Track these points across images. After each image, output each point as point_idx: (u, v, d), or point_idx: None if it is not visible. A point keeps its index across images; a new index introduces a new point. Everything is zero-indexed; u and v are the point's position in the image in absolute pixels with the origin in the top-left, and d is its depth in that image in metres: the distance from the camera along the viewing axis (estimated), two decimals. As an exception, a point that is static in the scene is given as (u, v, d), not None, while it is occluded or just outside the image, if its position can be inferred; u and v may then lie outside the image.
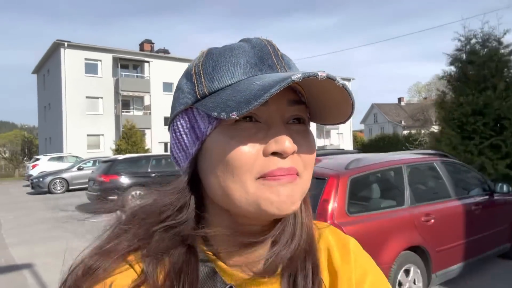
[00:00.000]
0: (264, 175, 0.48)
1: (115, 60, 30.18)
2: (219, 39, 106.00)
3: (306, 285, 0.57)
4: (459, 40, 7.66)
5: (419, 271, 3.72)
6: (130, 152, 20.47)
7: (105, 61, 29.77)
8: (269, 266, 0.55)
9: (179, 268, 0.50)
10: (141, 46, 34.85)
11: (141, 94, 30.80)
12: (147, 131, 30.23)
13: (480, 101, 6.93)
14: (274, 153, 0.48)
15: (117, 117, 29.62)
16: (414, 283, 3.69)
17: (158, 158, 11.64)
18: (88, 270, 0.49)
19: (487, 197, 4.78)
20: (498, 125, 6.91)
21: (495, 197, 4.85)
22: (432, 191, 4.45)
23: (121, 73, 30.43)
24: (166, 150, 30.74)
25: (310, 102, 0.54)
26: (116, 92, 29.88)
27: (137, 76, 31.78)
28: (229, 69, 0.50)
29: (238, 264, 0.54)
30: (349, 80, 44.19)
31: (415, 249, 3.72)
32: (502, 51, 7.33)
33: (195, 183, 0.54)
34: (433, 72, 50.42)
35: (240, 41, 0.55)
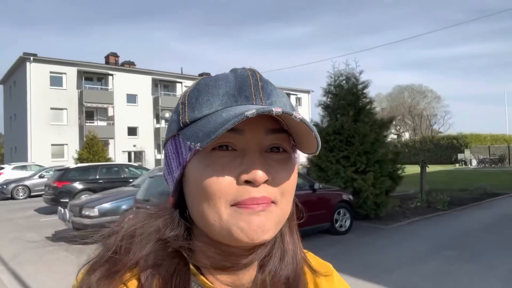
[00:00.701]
0: (237, 203, 0.49)
1: (79, 73, 31.78)
2: (195, 48, 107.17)
3: None
4: (330, 77, 10.20)
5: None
6: (92, 161, 22.20)
7: (70, 74, 31.37)
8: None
9: (171, 275, 0.51)
10: (107, 58, 36.50)
11: (105, 106, 32.44)
12: (110, 141, 31.90)
13: (337, 124, 9.43)
14: (248, 182, 0.49)
15: (81, 128, 31.14)
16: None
17: (107, 167, 13.63)
18: None
19: (311, 191, 7.29)
20: (349, 141, 9.41)
21: (317, 191, 7.36)
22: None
23: (85, 85, 32.06)
24: (129, 159, 32.52)
25: (291, 131, 0.53)
26: (80, 104, 31.45)
27: (101, 88, 33.40)
28: (209, 99, 0.52)
29: (226, 284, 0.55)
30: (308, 92, 47.00)
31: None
32: (359, 86, 9.88)
33: (184, 204, 0.55)
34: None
35: (230, 71, 0.56)
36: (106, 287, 0.51)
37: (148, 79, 35.43)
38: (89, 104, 31.33)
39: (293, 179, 0.54)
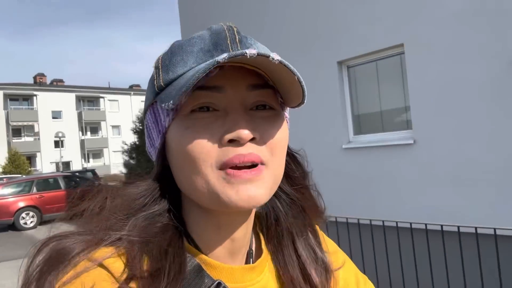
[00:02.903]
0: (223, 164, 0.45)
1: (5, 95, 35.59)
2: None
3: (293, 261, 0.58)
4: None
5: (35, 215, 11.10)
6: (14, 173, 26.54)
7: (-4, 97, 35.15)
8: (256, 254, 0.57)
9: (165, 252, 0.46)
10: (34, 79, 40.40)
11: (31, 123, 36.45)
12: (38, 154, 35.98)
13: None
14: (232, 141, 0.45)
15: (9, 144, 35.01)
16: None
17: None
18: (61, 257, 0.43)
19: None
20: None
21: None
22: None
23: (11, 106, 35.97)
24: (57, 169, 36.64)
25: (274, 82, 0.48)
26: (7, 123, 35.32)
27: (26, 108, 37.36)
28: (182, 58, 0.48)
29: (221, 255, 0.52)
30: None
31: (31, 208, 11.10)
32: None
33: (168, 175, 0.51)
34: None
35: (206, 29, 0.52)
36: (74, 274, 0.42)
37: (72, 96, 39.54)
38: (15, 123, 35.27)
39: (283, 137, 0.50)
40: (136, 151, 14.46)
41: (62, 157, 37.89)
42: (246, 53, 0.41)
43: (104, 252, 0.45)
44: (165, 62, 0.50)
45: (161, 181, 0.51)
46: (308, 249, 0.60)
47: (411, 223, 3.49)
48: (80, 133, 39.68)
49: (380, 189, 4.52)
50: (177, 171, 0.49)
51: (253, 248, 0.58)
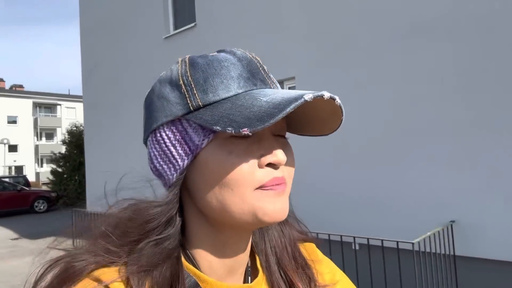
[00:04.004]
0: (261, 186, 0.49)
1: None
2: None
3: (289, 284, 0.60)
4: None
5: None
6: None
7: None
8: (252, 273, 0.59)
9: (168, 283, 0.49)
10: (-7, 83, 41.35)
11: (-16, 127, 37.40)
12: (-10, 157, 36.90)
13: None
14: (268, 164, 0.50)
15: (-38, 147, 35.82)
16: None
17: None
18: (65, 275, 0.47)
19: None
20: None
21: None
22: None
23: (-35, 110, 36.84)
24: (10, 172, 37.63)
25: (299, 116, 0.54)
26: (-40, 126, 36.14)
27: (-19, 112, 38.29)
28: (222, 81, 0.50)
29: (220, 274, 0.54)
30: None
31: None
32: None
33: (180, 196, 0.53)
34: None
35: (220, 51, 0.54)
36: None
37: (29, 102, 40.66)
38: (-32, 127, 36.15)
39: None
40: (63, 160, 16.36)
41: (15, 161, 39.06)
42: (324, 95, 0.45)
43: (111, 275, 0.47)
44: (199, 81, 0.50)
45: (176, 203, 0.52)
46: (293, 263, 0.62)
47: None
48: (35, 138, 40.77)
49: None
50: (207, 192, 0.50)
51: (249, 267, 0.60)
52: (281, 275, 0.61)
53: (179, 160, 0.51)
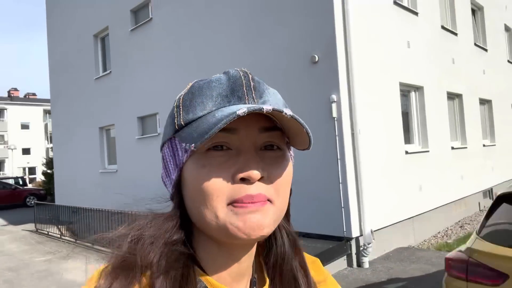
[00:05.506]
0: (233, 201, 0.49)
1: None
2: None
3: None
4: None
5: None
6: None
7: (-30, 110, 40.72)
8: (258, 283, 0.61)
9: (180, 282, 0.51)
10: (9, 93, 45.93)
11: (1, 133, 41.96)
12: (6, 160, 41.41)
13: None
14: (243, 180, 0.49)
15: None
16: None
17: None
18: None
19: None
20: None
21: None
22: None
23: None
24: (24, 173, 42.11)
25: (284, 128, 0.54)
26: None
27: (-2, 120, 42.97)
28: (202, 101, 0.52)
29: (226, 279, 0.56)
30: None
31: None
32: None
33: (183, 206, 0.55)
34: None
35: (223, 72, 0.56)
36: None
37: (39, 109, 45.01)
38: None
39: (288, 176, 0.54)
40: (51, 163, 19.79)
41: (28, 162, 43.48)
42: (263, 109, 0.46)
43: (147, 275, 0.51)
44: (186, 102, 0.54)
45: (179, 210, 0.55)
46: (303, 276, 0.63)
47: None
48: (46, 142, 45.19)
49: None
50: (190, 203, 0.53)
51: (255, 277, 0.61)
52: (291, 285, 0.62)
53: (172, 174, 0.56)
